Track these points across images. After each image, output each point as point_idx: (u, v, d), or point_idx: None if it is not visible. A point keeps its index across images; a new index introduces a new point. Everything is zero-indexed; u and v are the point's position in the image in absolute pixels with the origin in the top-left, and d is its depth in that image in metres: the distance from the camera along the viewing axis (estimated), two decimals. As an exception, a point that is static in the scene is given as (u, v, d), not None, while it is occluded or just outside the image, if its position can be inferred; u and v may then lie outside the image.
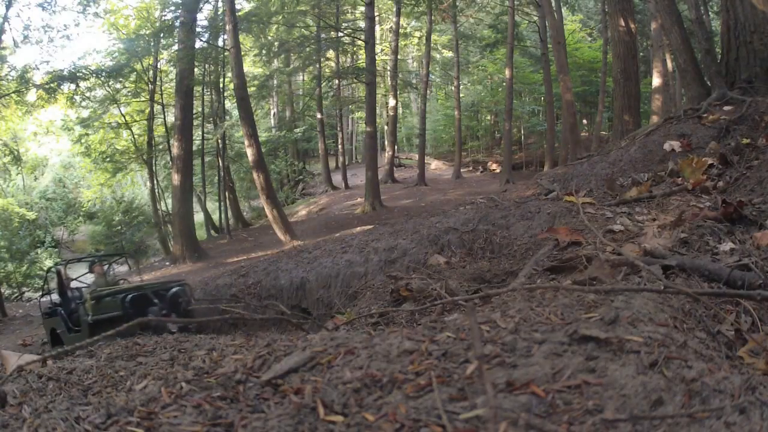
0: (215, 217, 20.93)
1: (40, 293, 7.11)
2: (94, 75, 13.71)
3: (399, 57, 21.49)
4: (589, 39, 25.80)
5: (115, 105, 16.58)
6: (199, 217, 19.49)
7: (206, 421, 1.21)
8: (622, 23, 9.69)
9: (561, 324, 1.53)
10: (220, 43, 15.38)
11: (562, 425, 1.05)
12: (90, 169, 19.72)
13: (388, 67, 20.64)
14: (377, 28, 20.67)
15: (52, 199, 25.38)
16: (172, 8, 15.38)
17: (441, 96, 30.41)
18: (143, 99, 17.17)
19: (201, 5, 15.20)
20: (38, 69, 12.40)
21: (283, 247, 10.98)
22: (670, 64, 14.59)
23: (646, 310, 1.63)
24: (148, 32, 15.74)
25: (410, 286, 3.55)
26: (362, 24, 17.88)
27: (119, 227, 17.92)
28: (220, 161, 18.22)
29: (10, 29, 11.39)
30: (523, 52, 22.83)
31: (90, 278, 6.88)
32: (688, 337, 1.50)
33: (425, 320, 1.95)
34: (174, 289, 5.31)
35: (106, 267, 7.01)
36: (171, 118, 16.26)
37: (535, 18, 19.41)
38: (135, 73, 15.76)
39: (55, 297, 6.48)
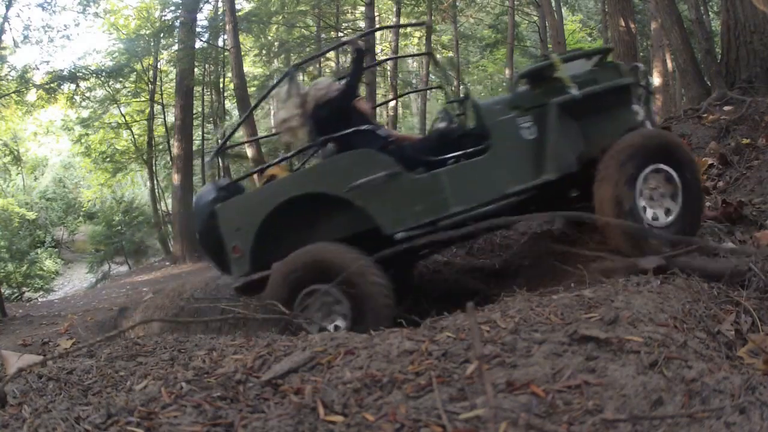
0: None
1: (222, 137, 3.75)
2: (94, 75, 13.68)
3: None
4: (589, 39, 25.76)
5: (115, 105, 16.54)
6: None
7: (206, 421, 1.21)
8: (622, 23, 9.68)
9: (561, 324, 1.53)
10: (220, 43, 15.36)
11: (562, 425, 1.05)
12: (90, 169, 19.67)
13: (388, 67, 20.62)
14: (377, 28, 20.63)
15: (52, 199, 25.32)
16: (172, 8, 15.36)
17: (441, 96, 30.41)
18: (143, 99, 17.12)
19: (201, 5, 15.17)
20: (38, 69, 12.36)
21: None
22: (670, 64, 14.57)
23: (646, 310, 1.62)
24: (148, 32, 15.71)
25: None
26: (362, 24, 17.85)
27: (119, 227, 17.88)
28: (220, 161, 18.19)
29: (10, 29, 11.31)
30: (523, 52, 22.80)
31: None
32: (688, 337, 1.50)
33: (425, 320, 1.95)
34: None
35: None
36: (171, 118, 16.24)
37: (535, 18, 19.40)
38: (135, 73, 15.73)
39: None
